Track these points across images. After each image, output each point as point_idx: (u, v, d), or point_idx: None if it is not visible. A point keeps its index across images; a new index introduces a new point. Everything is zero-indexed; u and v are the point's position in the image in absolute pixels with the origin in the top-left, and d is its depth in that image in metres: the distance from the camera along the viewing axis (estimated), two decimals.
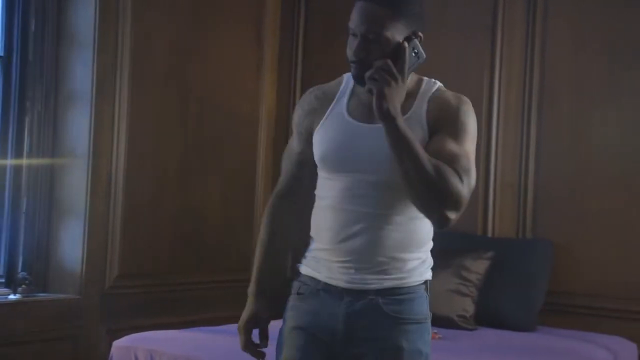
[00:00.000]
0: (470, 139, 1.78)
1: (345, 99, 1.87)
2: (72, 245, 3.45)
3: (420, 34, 1.79)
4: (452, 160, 1.71)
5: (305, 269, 1.91)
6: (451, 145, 1.74)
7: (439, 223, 1.73)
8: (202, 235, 4.00)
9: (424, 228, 1.85)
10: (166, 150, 3.81)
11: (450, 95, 1.85)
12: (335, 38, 4.36)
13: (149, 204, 3.72)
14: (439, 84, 1.89)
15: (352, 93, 1.87)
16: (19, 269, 3.36)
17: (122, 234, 3.58)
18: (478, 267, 3.49)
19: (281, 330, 1.91)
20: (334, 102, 1.88)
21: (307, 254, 1.91)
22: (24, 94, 3.41)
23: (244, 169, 4.22)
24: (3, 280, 3.35)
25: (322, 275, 1.86)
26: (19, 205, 3.40)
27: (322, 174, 1.88)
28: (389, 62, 1.72)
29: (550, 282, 3.54)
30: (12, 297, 3.26)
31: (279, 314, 1.95)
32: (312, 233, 1.90)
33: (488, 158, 3.85)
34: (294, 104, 4.41)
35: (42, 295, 3.37)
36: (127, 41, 3.57)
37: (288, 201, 1.99)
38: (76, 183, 3.47)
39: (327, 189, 1.86)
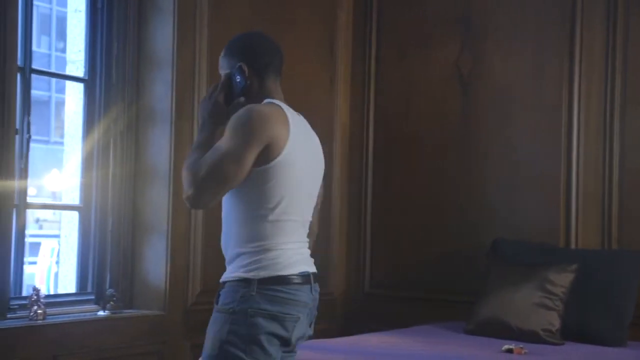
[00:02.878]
0: (230, 138, 2.06)
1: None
2: (155, 262, 3.51)
3: (241, 64, 2.18)
4: (205, 157, 2.07)
5: None
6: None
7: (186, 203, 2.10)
8: None
9: (245, 227, 2.09)
10: None
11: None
12: (407, 52, 4.36)
13: None
14: (264, 102, 2.17)
15: None
16: (107, 286, 3.44)
17: (203, 251, 3.62)
18: (563, 280, 3.42)
19: None
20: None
21: None
22: (108, 115, 3.50)
23: None
24: (93, 297, 3.43)
25: None
26: (105, 224, 3.48)
27: None
28: (211, 86, 2.22)
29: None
30: (101, 313, 3.34)
31: None
32: None
33: (569, 168, 3.78)
34: (368, 118, 4.41)
35: (128, 312, 3.44)
36: (205, 60, 3.64)
37: None
38: (158, 200, 3.53)
39: None
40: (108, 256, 3.47)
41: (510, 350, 3.12)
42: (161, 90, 3.56)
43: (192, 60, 3.60)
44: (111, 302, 3.35)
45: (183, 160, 3.48)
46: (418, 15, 4.30)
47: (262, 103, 2.17)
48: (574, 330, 3.37)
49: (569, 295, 3.40)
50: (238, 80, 2.18)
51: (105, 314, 3.33)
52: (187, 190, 2.07)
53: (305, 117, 4.18)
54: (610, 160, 3.69)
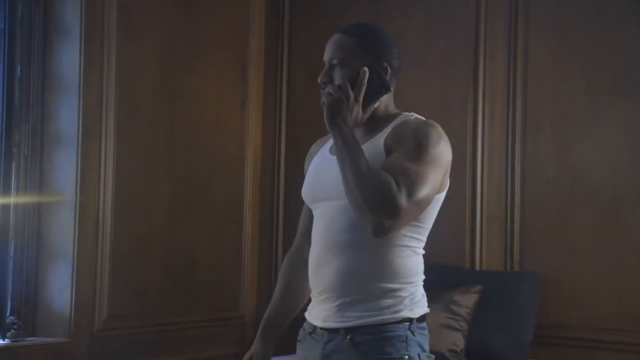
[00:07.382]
0: (427, 156, 1.74)
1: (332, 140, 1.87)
2: (60, 287, 3.43)
3: (385, 64, 1.89)
4: (395, 171, 1.68)
5: (306, 313, 1.97)
6: (398, 159, 1.72)
7: (374, 230, 1.67)
8: (191, 275, 3.99)
9: (402, 257, 1.81)
10: (153, 190, 3.82)
11: (413, 120, 1.88)
12: (319, 73, 4.40)
13: (137, 244, 3.72)
14: (415, 115, 1.92)
15: None
16: (7, 314, 3.34)
17: (110, 275, 3.57)
18: (467, 300, 3.50)
19: None
20: (325, 145, 2.01)
21: None
22: (10, 139, 3.42)
23: (232, 208, 4.23)
24: None
25: (310, 316, 1.92)
26: (6, 250, 3.38)
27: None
28: (346, 81, 1.81)
29: (539, 314, 3.54)
30: (0, 342, 3.24)
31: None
32: None
33: (474, 192, 3.88)
34: (280, 141, 4.44)
35: (31, 340, 3.34)
36: (112, 84, 3.60)
37: (303, 251, 2.03)
38: (63, 225, 3.46)
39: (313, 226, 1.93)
40: (9, 283, 3.37)
41: None
42: (67, 115, 3.49)
43: (99, 85, 3.56)
44: (12, 330, 3.25)
45: (88, 186, 3.47)
46: (328, 38, 4.35)
47: (414, 116, 1.91)
48: (477, 350, 3.45)
49: (473, 316, 3.48)
50: (379, 82, 1.85)
51: (5, 342, 3.23)
52: (393, 217, 1.66)
53: (218, 141, 4.22)
54: (512, 183, 3.81)
